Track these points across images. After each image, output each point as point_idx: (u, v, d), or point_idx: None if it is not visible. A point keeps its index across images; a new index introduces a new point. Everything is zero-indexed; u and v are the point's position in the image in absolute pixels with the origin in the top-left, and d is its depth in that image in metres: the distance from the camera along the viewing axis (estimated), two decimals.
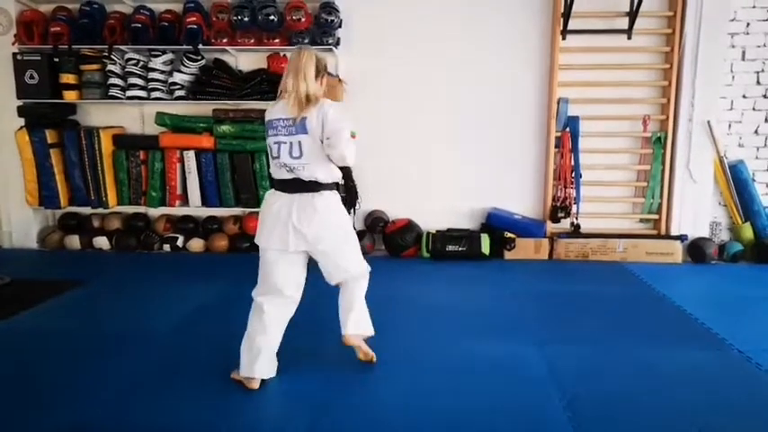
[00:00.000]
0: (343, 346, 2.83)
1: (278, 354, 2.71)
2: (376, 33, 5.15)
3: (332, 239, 2.64)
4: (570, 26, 4.92)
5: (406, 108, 5.21)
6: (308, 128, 2.49)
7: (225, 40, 4.95)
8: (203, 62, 5.10)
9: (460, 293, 4.12)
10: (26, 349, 3.13)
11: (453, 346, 3.15)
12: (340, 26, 5.00)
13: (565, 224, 5.18)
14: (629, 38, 4.93)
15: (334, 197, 2.66)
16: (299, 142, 2.50)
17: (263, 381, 2.64)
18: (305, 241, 2.57)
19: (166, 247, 5.28)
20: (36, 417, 2.39)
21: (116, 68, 5.01)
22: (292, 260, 2.64)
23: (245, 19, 4.79)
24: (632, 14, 4.82)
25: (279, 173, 2.60)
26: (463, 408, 2.48)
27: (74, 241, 5.31)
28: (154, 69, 5.02)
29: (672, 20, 4.94)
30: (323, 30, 4.89)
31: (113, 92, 5.04)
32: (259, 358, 2.61)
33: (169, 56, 5.08)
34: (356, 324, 2.79)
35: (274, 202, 2.60)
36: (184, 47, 4.96)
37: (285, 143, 2.52)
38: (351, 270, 2.75)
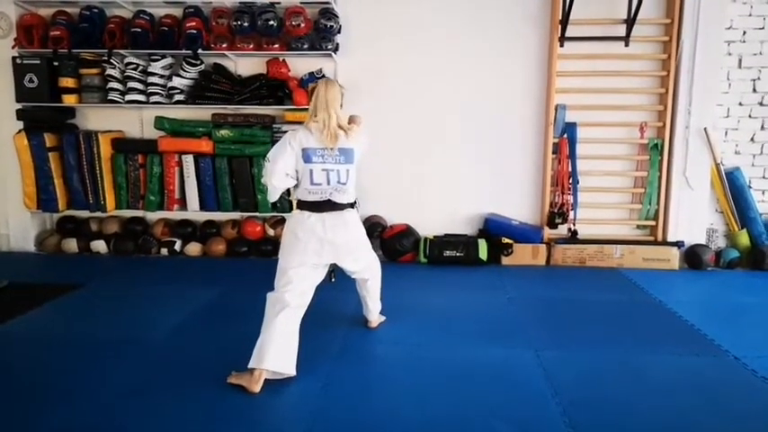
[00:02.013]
0: (340, 346, 2.96)
1: None
2: (374, 39, 5.17)
3: (361, 247, 3.13)
4: (568, 33, 4.95)
5: (404, 114, 5.23)
6: (354, 158, 2.86)
7: (224, 45, 4.97)
8: (202, 67, 5.11)
9: (458, 299, 4.12)
10: (23, 352, 3.13)
11: (450, 351, 3.15)
12: (339, 32, 5.02)
13: (562, 230, 5.20)
14: (627, 45, 4.97)
15: (355, 212, 3.03)
16: (347, 170, 2.84)
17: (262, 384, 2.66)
18: (335, 253, 2.92)
19: (164, 252, 5.28)
20: (33, 420, 2.39)
21: (115, 73, 5.02)
22: (320, 272, 2.96)
23: (245, 24, 4.82)
24: (630, 22, 4.85)
25: (311, 196, 2.84)
26: (460, 413, 2.48)
27: (71, 245, 5.31)
28: (153, 74, 5.02)
29: (669, 27, 4.98)
30: (322, 35, 4.91)
31: (112, 96, 5.05)
32: (270, 349, 2.65)
33: (168, 60, 5.10)
34: (378, 308, 3.44)
35: (305, 220, 2.86)
36: (184, 51, 4.97)
37: (333, 171, 2.81)
38: (374, 267, 3.29)
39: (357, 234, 3.07)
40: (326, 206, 2.86)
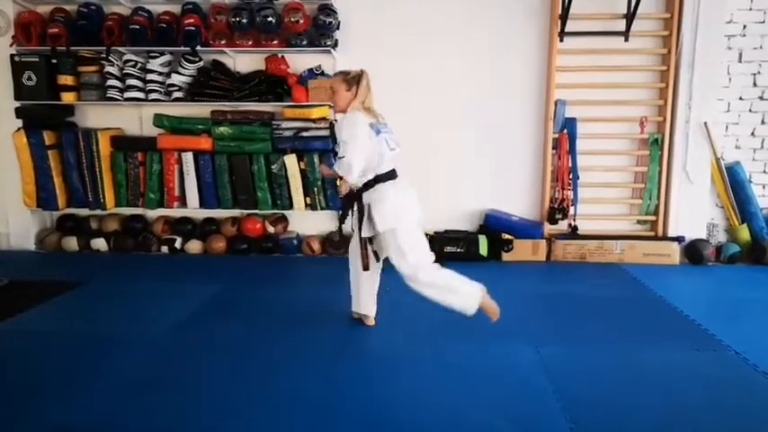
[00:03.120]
0: (341, 344, 2.94)
1: (275, 353, 2.72)
2: (374, 35, 5.15)
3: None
4: (568, 28, 4.93)
5: (403, 110, 5.17)
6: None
7: (223, 42, 4.95)
8: (201, 64, 5.10)
9: None
10: (24, 350, 3.13)
11: (451, 348, 3.15)
12: (338, 28, 5.00)
13: (562, 226, 5.19)
14: (627, 40, 4.95)
15: None
16: (394, 138, 3.19)
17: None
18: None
19: (164, 249, 5.28)
20: (34, 418, 2.39)
21: (114, 70, 5.01)
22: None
23: (244, 21, 4.80)
24: (629, 16, 4.84)
25: (388, 164, 3.13)
26: (461, 409, 2.48)
27: (72, 243, 5.30)
28: (152, 71, 5.01)
29: (669, 22, 4.96)
30: (321, 31, 4.89)
31: (111, 93, 5.04)
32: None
33: (167, 57, 5.08)
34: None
35: (393, 187, 3.12)
36: (182, 48, 4.96)
37: (392, 138, 3.16)
38: None
39: None
40: (396, 174, 3.17)
